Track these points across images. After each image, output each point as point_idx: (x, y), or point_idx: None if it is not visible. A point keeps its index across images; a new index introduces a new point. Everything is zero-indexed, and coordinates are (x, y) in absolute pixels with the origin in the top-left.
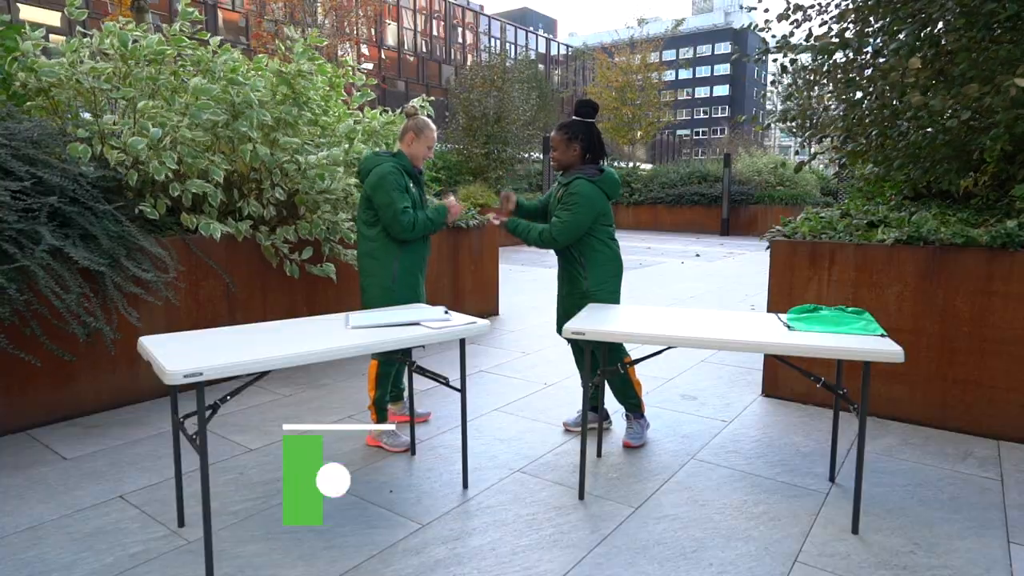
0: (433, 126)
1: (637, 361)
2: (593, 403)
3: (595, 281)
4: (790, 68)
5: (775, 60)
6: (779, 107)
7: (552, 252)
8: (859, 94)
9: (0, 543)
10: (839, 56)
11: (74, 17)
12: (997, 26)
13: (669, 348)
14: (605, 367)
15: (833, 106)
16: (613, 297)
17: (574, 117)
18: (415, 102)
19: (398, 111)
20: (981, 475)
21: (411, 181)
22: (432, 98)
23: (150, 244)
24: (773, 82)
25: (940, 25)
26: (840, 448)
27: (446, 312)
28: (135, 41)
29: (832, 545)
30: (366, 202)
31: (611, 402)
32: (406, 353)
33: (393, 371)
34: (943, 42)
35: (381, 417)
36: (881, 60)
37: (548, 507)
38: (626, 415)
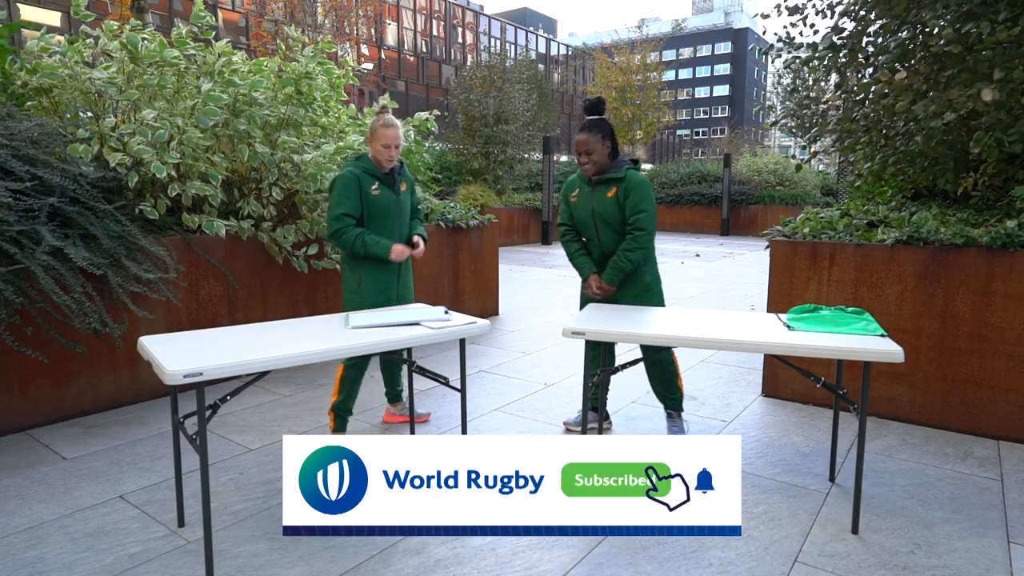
0: (391, 123)
1: (637, 361)
2: (594, 403)
3: (654, 275)
4: (790, 62)
5: (778, 56)
6: (779, 108)
7: (552, 252)
8: (860, 93)
9: (0, 543)
10: (840, 56)
11: (80, 18)
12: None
13: (640, 346)
14: (605, 367)
15: (833, 106)
16: (663, 296)
17: (590, 117)
18: (383, 99)
19: (405, 120)
20: (981, 475)
21: (377, 182)
22: (437, 112)
23: (150, 244)
24: (779, 79)
25: (935, 30)
26: (840, 448)
27: (446, 312)
28: (146, 45)
29: (832, 545)
30: None
31: (612, 403)
32: (396, 354)
33: (361, 377)
34: (937, 47)
35: (339, 424)
36: (881, 60)
37: None
38: (668, 412)
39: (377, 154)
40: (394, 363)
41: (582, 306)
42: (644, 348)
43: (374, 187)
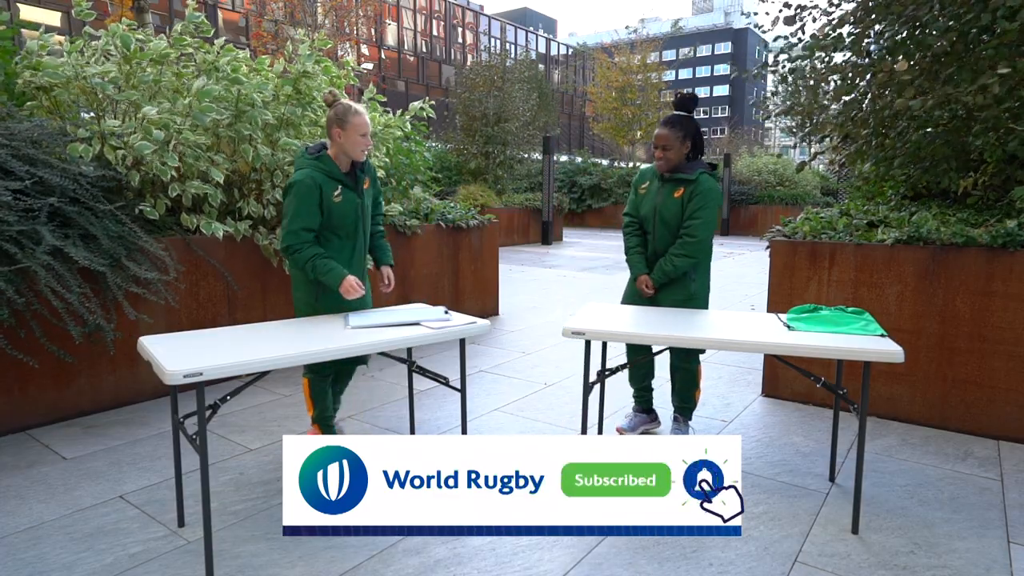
0: (359, 108)
1: (637, 361)
2: (646, 405)
3: (703, 283)
4: (790, 79)
5: (773, 71)
6: (779, 108)
7: (552, 252)
8: (858, 92)
9: (0, 543)
10: (839, 57)
11: (82, 18)
12: (985, 30)
13: (669, 348)
14: (604, 368)
15: (833, 106)
16: (707, 303)
17: (676, 112)
18: (368, 92)
19: (399, 113)
20: (981, 475)
21: (340, 187)
22: (432, 101)
23: (150, 244)
24: (774, 93)
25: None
26: (840, 448)
27: (446, 312)
28: (141, 46)
29: (832, 545)
30: None
31: (613, 403)
32: (359, 362)
33: (327, 385)
34: (935, 44)
35: (326, 432)
36: (875, 61)
37: None
38: (676, 416)
39: (352, 146)
40: (346, 377)
41: (624, 301)
42: (672, 352)
43: (336, 193)
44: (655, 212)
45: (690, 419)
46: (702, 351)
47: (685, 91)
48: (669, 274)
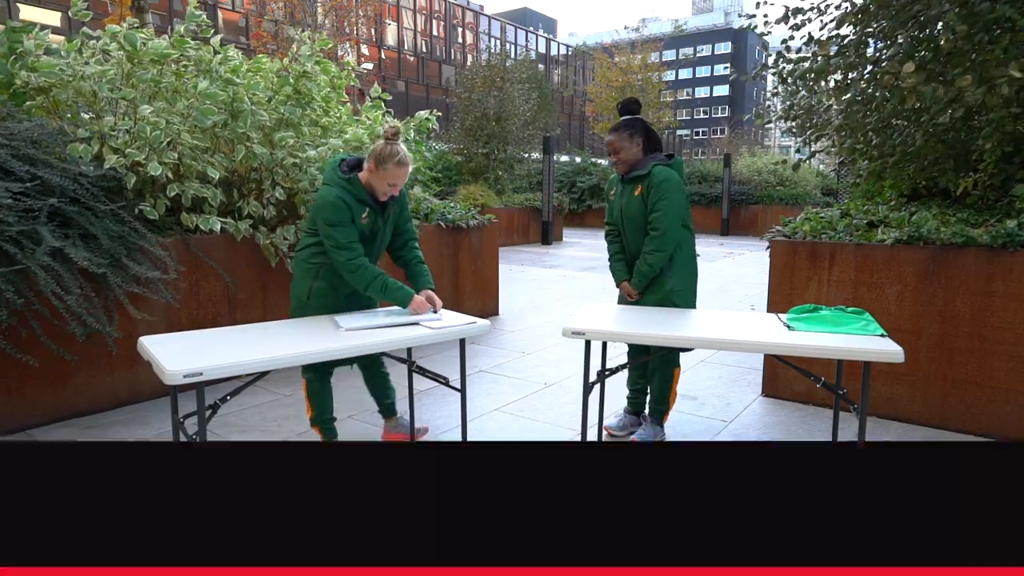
0: (405, 161)
1: (637, 362)
2: (638, 408)
3: (680, 281)
4: (789, 80)
5: (774, 73)
6: (779, 107)
7: (552, 252)
8: (858, 96)
9: None
10: (838, 59)
11: (78, 17)
12: (996, 27)
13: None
14: (604, 368)
15: (834, 107)
16: (693, 301)
17: (623, 117)
18: (396, 123)
19: (406, 120)
20: None
21: (366, 209)
22: (439, 113)
23: (151, 244)
24: (774, 94)
25: (939, 26)
26: None
27: (434, 311)
28: (144, 43)
29: None
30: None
31: (613, 403)
32: (376, 362)
33: (326, 386)
34: (942, 43)
35: (327, 434)
36: (882, 64)
37: None
38: (646, 416)
39: (377, 187)
40: (376, 372)
41: (619, 303)
42: (653, 353)
43: (364, 215)
44: (622, 215)
45: (661, 422)
46: (684, 350)
47: (628, 97)
48: (647, 275)
